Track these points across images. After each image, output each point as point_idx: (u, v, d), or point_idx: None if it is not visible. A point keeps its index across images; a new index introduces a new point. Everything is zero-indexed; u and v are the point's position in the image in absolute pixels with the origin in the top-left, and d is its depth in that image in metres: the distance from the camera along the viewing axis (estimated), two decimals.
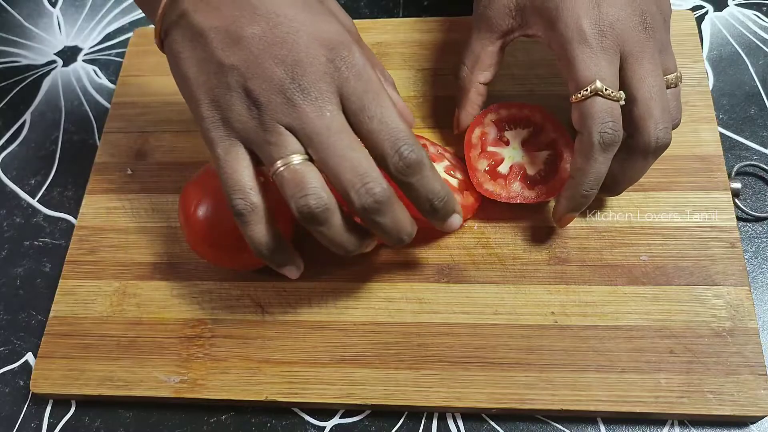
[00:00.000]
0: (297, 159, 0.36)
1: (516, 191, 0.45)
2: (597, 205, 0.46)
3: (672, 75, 0.41)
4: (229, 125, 0.37)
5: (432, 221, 0.40)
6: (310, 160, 0.36)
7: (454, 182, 0.46)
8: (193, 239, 0.44)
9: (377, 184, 0.36)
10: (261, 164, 0.38)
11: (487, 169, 0.46)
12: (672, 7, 0.44)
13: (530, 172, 0.46)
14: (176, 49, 0.38)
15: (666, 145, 0.40)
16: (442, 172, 0.46)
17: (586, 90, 0.39)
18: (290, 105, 0.36)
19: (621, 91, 0.39)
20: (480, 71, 0.46)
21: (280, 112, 0.36)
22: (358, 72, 0.36)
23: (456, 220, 0.41)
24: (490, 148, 0.47)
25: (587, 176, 0.40)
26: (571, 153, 0.43)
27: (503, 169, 0.46)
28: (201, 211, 0.42)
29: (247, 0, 0.36)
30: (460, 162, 0.48)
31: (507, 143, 0.47)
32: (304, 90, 0.36)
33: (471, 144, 0.47)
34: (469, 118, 0.47)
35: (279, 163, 0.36)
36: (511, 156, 0.47)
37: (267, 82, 0.36)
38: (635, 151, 0.40)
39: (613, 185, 0.43)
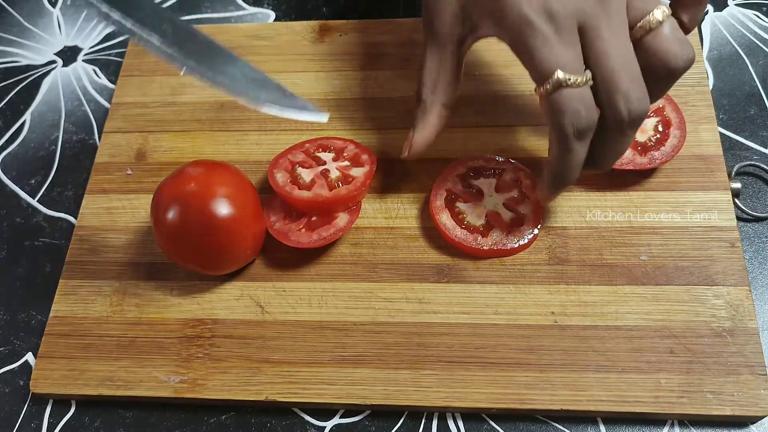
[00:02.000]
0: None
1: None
2: (597, 204, 0.46)
3: (654, 13, 0.37)
4: None
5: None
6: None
7: (507, 216, 0.46)
8: (161, 240, 0.44)
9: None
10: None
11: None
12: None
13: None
14: None
15: (643, 113, 0.37)
16: (501, 204, 0.47)
17: (548, 84, 0.37)
18: None
19: (587, 71, 0.37)
20: (442, 90, 0.43)
21: None
22: None
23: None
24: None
25: (566, 165, 0.39)
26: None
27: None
28: (170, 215, 0.42)
29: None
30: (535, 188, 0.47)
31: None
32: None
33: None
34: (424, 141, 0.44)
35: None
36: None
37: None
38: (610, 128, 0.38)
39: (599, 162, 0.41)
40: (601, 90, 0.37)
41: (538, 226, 0.46)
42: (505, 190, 0.47)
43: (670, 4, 0.40)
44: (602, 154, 0.40)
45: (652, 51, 0.37)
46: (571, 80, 0.36)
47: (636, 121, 0.38)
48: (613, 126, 0.38)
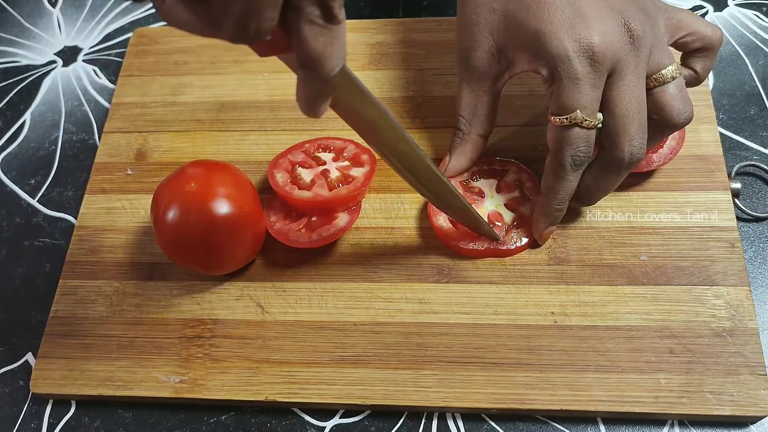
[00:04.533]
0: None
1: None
2: (597, 204, 0.46)
3: (668, 68, 0.40)
4: None
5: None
6: None
7: (509, 216, 0.46)
8: (161, 240, 0.44)
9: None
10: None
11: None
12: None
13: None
14: None
15: (639, 161, 0.40)
16: (502, 204, 0.47)
17: (566, 118, 0.39)
18: None
19: (600, 114, 0.39)
20: (479, 122, 0.45)
21: None
22: None
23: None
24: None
25: (558, 193, 0.42)
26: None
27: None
28: (170, 215, 0.42)
29: None
30: (538, 189, 0.46)
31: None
32: None
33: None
34: (460, 167, 0.47)
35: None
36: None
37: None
38: (609, 165, 0.41)
39: (586, 196, 0.43)
40: (611, 129, 0.40)
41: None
42: (507, 191, 0.47)
43: (683, 55, 0.43)
44: (593, 188, 0.43)
45: (659, 104, 0.40)
46: (586, 122, 0.39)
47: (633, 164, 0.41)
48: (612, 164, 0.41)
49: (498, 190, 0.47)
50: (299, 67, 0.30)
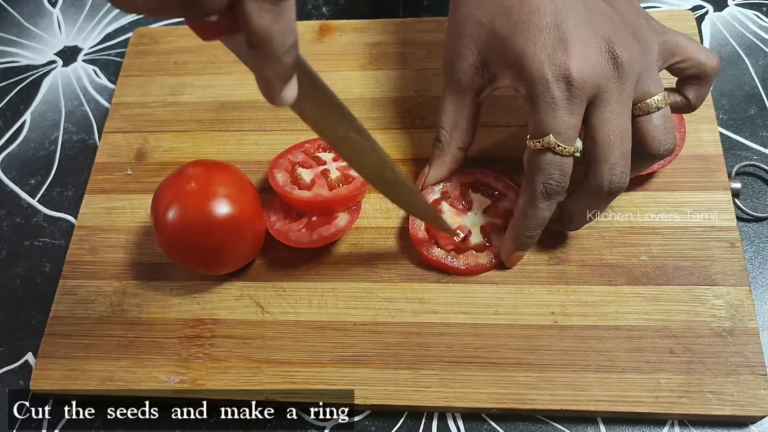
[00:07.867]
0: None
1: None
2: None
3: (654, 98, 0.39)
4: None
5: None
6: None
7: (476, 239, 0.46)
8: (161, 240, 0.44)
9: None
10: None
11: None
12: (670, 8, 0.43)
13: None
14: None
15: (620, 189, 0.40)
16: (478, 226, 0.46)
17: (539, 142, 0.38)
18: None
19: (579, 143, 0.39)
20: (459, 135, 0.45)
21: None
22: None
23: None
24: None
25: (529, 219, 0.41)
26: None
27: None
28: (170, 215, 0.42)
29: None
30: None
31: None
32: None
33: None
34: (439, 178, 0.46)
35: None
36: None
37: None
38: (589, 192, 0.40)
39: (569, 221, 0.43)
40: (591, 157, 0.39)
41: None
42: (492, 215, 0.46)
43: (678, 81, 0.42)
44: (575, 213, 0.42)
45: (641, 133, 0.40)
46: (559, 148, 0.38)
47: (614, 193, 0.40)
48: (591, 191, 0.40)
49: (485, 211, 0.47)
50: (248, 48, 0.29)
